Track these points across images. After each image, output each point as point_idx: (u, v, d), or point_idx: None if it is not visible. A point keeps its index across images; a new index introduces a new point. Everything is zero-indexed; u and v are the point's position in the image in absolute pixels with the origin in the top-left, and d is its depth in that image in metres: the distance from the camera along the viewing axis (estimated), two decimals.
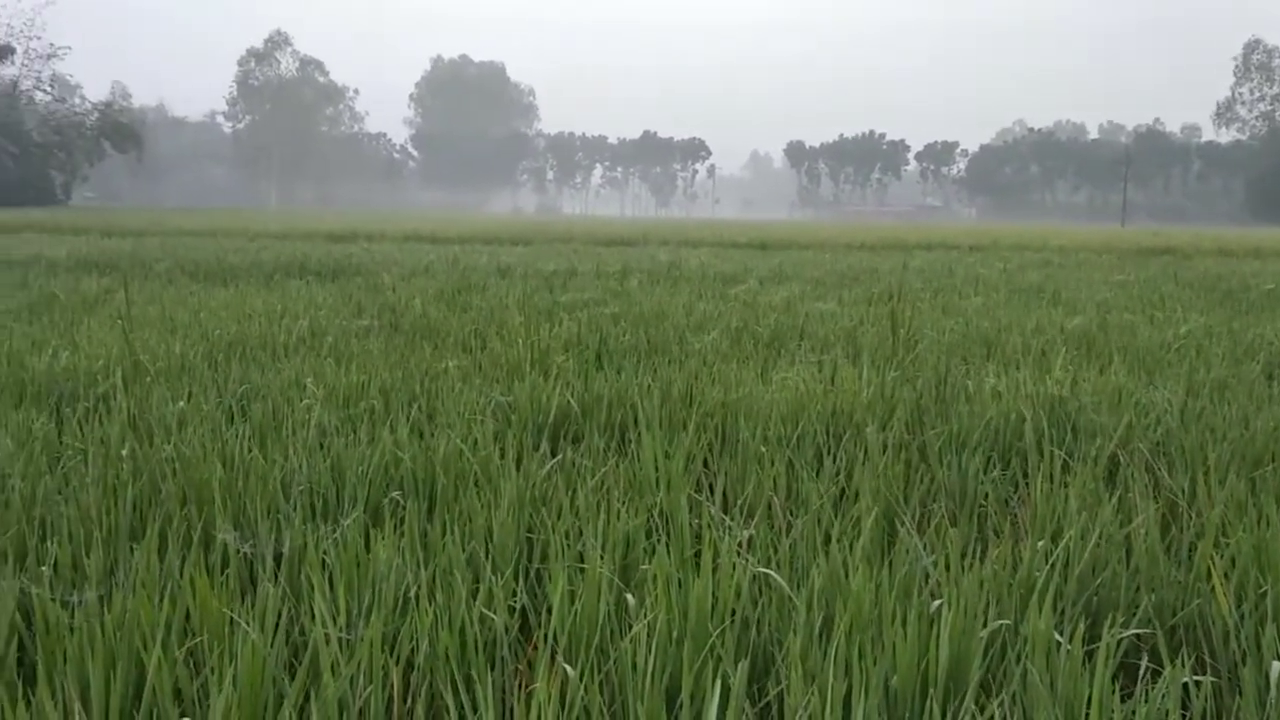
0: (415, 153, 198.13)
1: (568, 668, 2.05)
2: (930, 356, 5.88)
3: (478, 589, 2.42)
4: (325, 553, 2.61)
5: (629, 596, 2.39)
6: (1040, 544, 2.66)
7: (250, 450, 3.48)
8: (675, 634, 2.17)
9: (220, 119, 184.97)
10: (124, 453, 3.41)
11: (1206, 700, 2.09)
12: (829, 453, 3.78)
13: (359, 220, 43.35)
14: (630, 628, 2.24)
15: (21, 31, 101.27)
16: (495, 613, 2.31)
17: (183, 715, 2.02)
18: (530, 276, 12.45)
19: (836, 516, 3.03)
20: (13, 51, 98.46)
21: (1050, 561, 2.52)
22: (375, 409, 4.35)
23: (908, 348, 6.09)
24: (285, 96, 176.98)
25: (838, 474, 3.54)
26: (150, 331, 6.62)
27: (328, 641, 2.07)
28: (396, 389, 4.73)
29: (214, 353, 5.87)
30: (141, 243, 20.31)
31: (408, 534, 2.69)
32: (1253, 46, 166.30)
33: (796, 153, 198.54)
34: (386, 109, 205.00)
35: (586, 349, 6.01)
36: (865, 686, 1.98)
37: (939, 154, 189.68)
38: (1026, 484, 3.54)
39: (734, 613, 2.30)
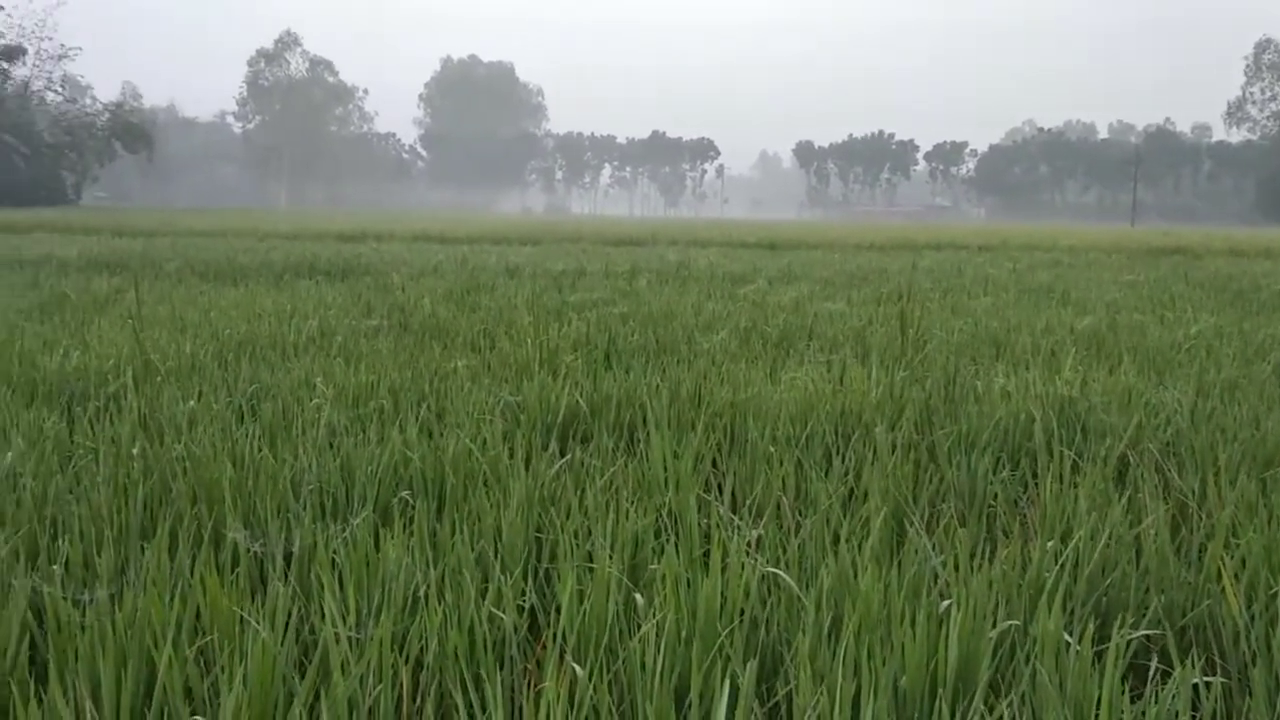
0: (424, 153, 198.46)
1: (576, 667, 2.05)
2: (939, 356, 5.88)
3: (487, 588, 2.42)
4: (335, 552, 2.62)
5: (638, 596, 2.39)
6: (1050, 544, 2.65)
7: (260, 450, 3.49)
8: (684, 634, 2.17)
9: (230, 119, 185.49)
10: (135, 452, 3.43)
11: (1216, 701, 2.09)
12: (838, 453, 3.78)
13: (368, 220, 43.43)
14: (639, 627, 2.25)
15: (33, 32, 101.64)
16: (504, 612, 2.31)
17: (193, 713, 2.03)
18: (539, 276, 12.45)
19: (845, 516, 3.03)
20: (24, 52, 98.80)
21: (1060, 562, 2.52)
22: (384, 408, 4.36)
23: (917, 348, 6.08)
24: (295, 97, 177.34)
25: (846, 474, 3.54)
26: (160, 331, 6.64)
27: (337, 640, 2.07)
28: (406, 389, 4.74)
29: (224, 352, 5.89)
30: (152, 243, 20.37)
31: (417, 533, 2.69)
32: (1264, 46, 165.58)
33: (805, 153, 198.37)
34: (394, 109, 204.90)
35: (595, 349, 6.02)
36: (874, 686, 1.98)
37: (948, 154, 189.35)
38: (1036, 484, 3.53)
39: (743, 612, 2.30)
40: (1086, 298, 10.58)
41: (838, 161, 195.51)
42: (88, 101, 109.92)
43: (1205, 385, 5.08)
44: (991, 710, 2.07)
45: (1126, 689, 2.03)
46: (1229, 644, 2.39)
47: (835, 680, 1.97)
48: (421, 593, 2.39)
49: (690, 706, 1.98)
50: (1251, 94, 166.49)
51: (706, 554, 2.62)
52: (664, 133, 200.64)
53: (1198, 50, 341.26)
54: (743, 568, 2.39)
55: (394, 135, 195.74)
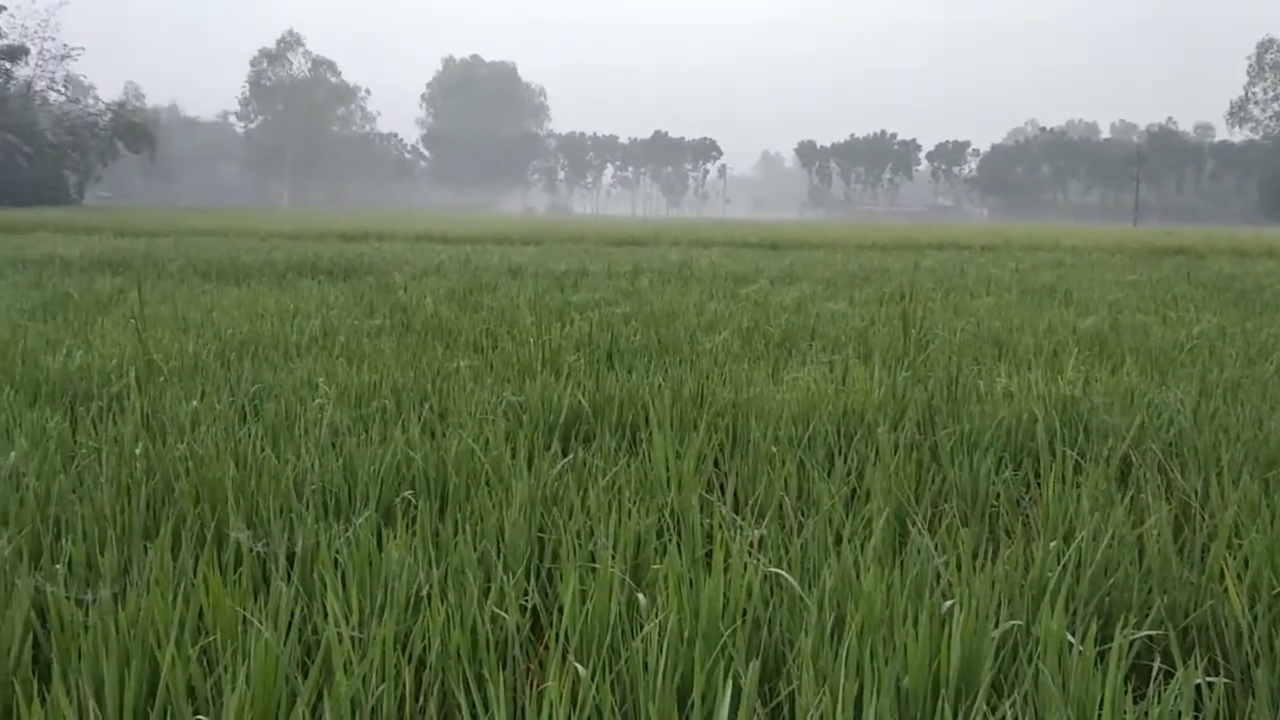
0: (427, 153, 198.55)
1: (579, 667, 2.05)
2: (942, 356, 5.87)
3: (489, 588, 2.43)
4: (338, 552, 2.62)
5: (640, 596, 2.39)
6: (1052, 544, 2.65)
7: (263, 449, 3.49)
8: (687, 634, 2.17)
9: (233, 119, 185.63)
10: (137, 452, 3.43)
11: (1219, 702, 2.09)
12: (840, 453, 3.78)
13: (371, 220, 43.45)
14: (642, 627, 2.25)
15: (35, 32, 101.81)
16: (507, 612, 2.31)
17: (196, 713, 2.03)
18: (541, 276, 12.46)
19: (848, 516, 3.03)
20: (27, 52, 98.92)
21: (1062, 562, 2.51)
22: (387, 408, 4.36)
23: (919, 348, 6.08)
24: (298, 97, 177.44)
25: (849, 474, 3.54)
26: (163, 331, 6.65)
27: (340, 640, 2.08)
28: (408, 388, 4.74)
29: (226, 352, 5.89)
30: (154, 242, 20.39)
31: (420, 533, 2.70)
32: (1266, 46, 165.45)
33: (808, 152, 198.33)
34: (396, 109, 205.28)
35: (598, 349, 6.02)
36: (877, 687, 1.98)
37: (950, 154, 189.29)
38: (1038, 484, 3.53)
39: (745, 613, 2.30)
40: (1089, 298, 10.57)
41: (840, 161, 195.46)
42: (90, 101, 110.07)
43: (1208, 385, 5.07)
44: (994, 710, 2.07)
45: (1129, 689, 2.03)
46: (1232, 645, 2.39)
47: (838, 680, 1.97)
48: (424, 592, 2.39)
49: (693, 707, 1.98)
50: (1254, 94, 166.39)
51: (709, 554, 2.62)
52: (666, 133, 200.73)
53: (1200, 50, 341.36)
54: (745, 568, 2.39)
55: (396, 135, 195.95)
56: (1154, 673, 2.24)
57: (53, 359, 5.26)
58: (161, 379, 4.83)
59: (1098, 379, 5.12)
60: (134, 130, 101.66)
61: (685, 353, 6.12)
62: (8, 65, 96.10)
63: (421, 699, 2.15)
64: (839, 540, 2.81)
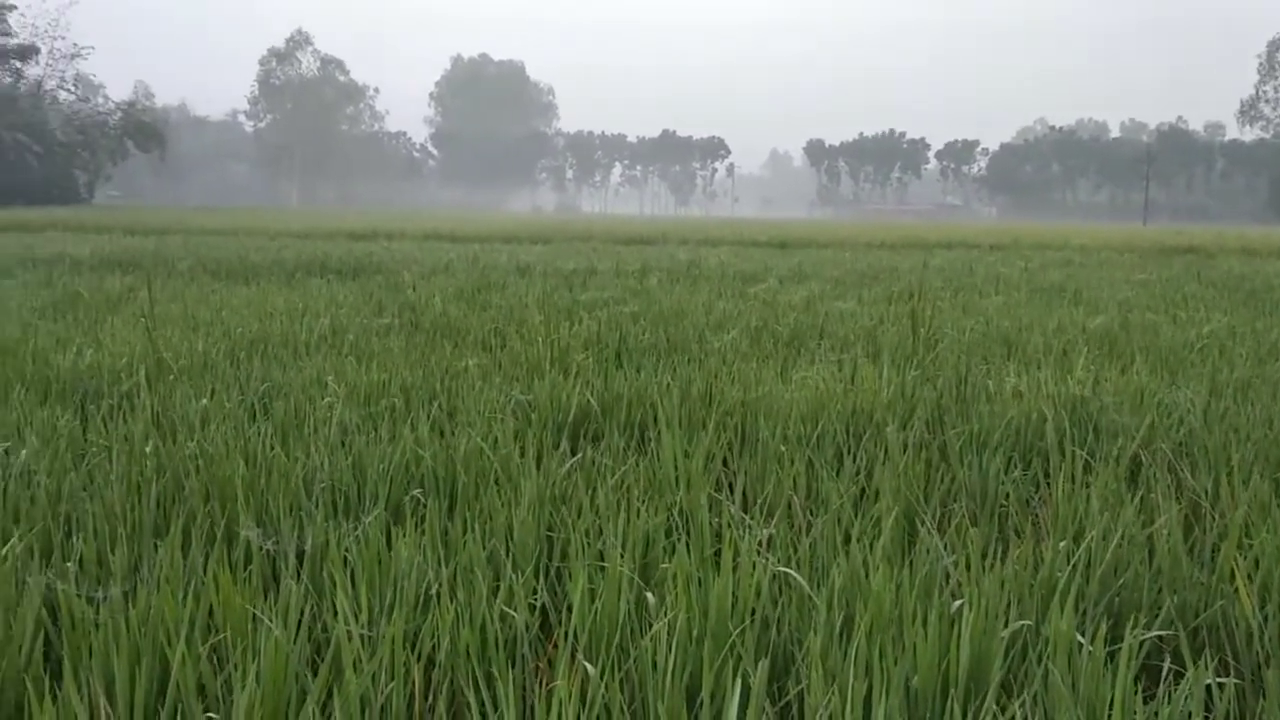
0: (435, 152, 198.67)
1: (588, 666, 2.06)
2: (951, 356, 5.86)
3: (498, 587, 2.43)
4: (347, 550, 2.63)
5: (649, 595, 2.39)
6: (1062, 544, 2.65)
7: (272, 448, 3.50)
8: (695, 633, 2.17)
9: (242, 118, 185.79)
10: (148, 450, 3.44)
11: (1229, 702, 2.08)
12: (849, 452, 3.77)
13: (379, 219, 43.51)
14: (650, 626, 2.25)
15: (45, 32, 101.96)
16: (516, 611, 2.31)
17: (206, 711, 2.04)
18: (550, 275, 12.46)
19: (857, 516, 3.03)
20: (37, 51, 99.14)
21: (1072, 562, 2.51)
22: (396, 407, 4.37)
23: (928, 347, 6.07)
24: (306, 96, 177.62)
25: (858, 473, 3.53)
26: (173, 329, 6.67)
27: (350, 638, 2.08)
28: (417, 387, 4.75)
29: (236, 351, 5.91)
30: (164, 241, 20.45)
31: (429, 532, 2.70)
32: (1276, 44, 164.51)
33: (816, 151, 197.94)
34: (405, 108, 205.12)
35: (606, 348, 6.02)
36: (886, 686, 1.98)
37: (959, 153, 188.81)
38: (1048, 484, 3.52)
39: (754, 612, 2.30)
40: (1098, 297, 10.54)
41: (848, 160, 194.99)
42: (100, 100, 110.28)
43: (1218, 385, 5.06)
44: (1004, 710, 2.07)
45: (1139, 690, 2.02)
46: (1242, 645, 2.39)
47: (847, 680, 1.97)
48: (433, 591, 2.40)
49: (701, 705, 1.99)
50: (1265, 92, 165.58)
51: (718, 553, 2.62)
52: (674, 131, 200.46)
53: (1210, 49, 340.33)
54: (754, 567, 2.39)
55: (405, 134, 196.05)
56: (1164, 673, 2.23)
57: (63, 357, 5.28)
58: (171, 377, 4.84)
59: (1107, 378, 5.11)
60: (144, 129, 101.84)
61: (694, 352, 6.12)
62: (18, 64, 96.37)
63: (431, 697, 2.16)
64: (848, 540, 2.81)
